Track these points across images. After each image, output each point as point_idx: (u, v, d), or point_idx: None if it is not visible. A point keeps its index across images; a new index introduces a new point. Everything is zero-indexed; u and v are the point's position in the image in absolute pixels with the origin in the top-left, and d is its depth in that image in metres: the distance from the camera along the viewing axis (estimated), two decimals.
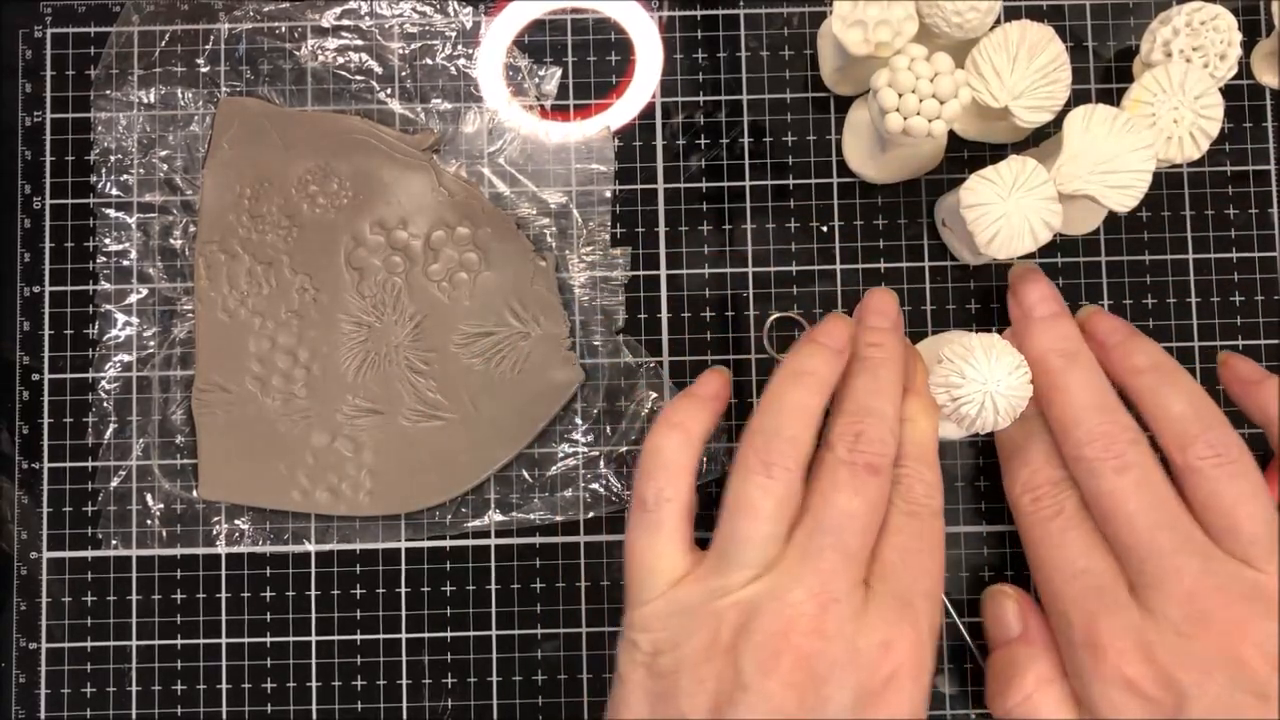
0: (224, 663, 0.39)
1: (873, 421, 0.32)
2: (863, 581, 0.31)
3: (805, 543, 0.31)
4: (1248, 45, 0.39)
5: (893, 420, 0.33)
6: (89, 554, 0.39)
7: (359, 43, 0.40)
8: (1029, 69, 0.34)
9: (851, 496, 0.31)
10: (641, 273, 0.40)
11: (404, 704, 0.39)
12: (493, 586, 0.39)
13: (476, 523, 0.39)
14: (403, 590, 0.39)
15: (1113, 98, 0.40)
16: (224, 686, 0.39)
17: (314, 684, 0.39)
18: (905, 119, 0.33)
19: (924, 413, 0.34)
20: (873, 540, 0.32)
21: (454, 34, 0.40)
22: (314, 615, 0.39)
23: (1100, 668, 0.31)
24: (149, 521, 0.39)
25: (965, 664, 0.38)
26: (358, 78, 0.40)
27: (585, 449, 0.39)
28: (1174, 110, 0.34)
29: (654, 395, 0.39)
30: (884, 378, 0.34)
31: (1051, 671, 0.33)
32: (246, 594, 0.39)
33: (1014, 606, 0.35)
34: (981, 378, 0.32)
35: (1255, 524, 0.31)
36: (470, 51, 0.40)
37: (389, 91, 0.40)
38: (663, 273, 0.40)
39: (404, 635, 0.39)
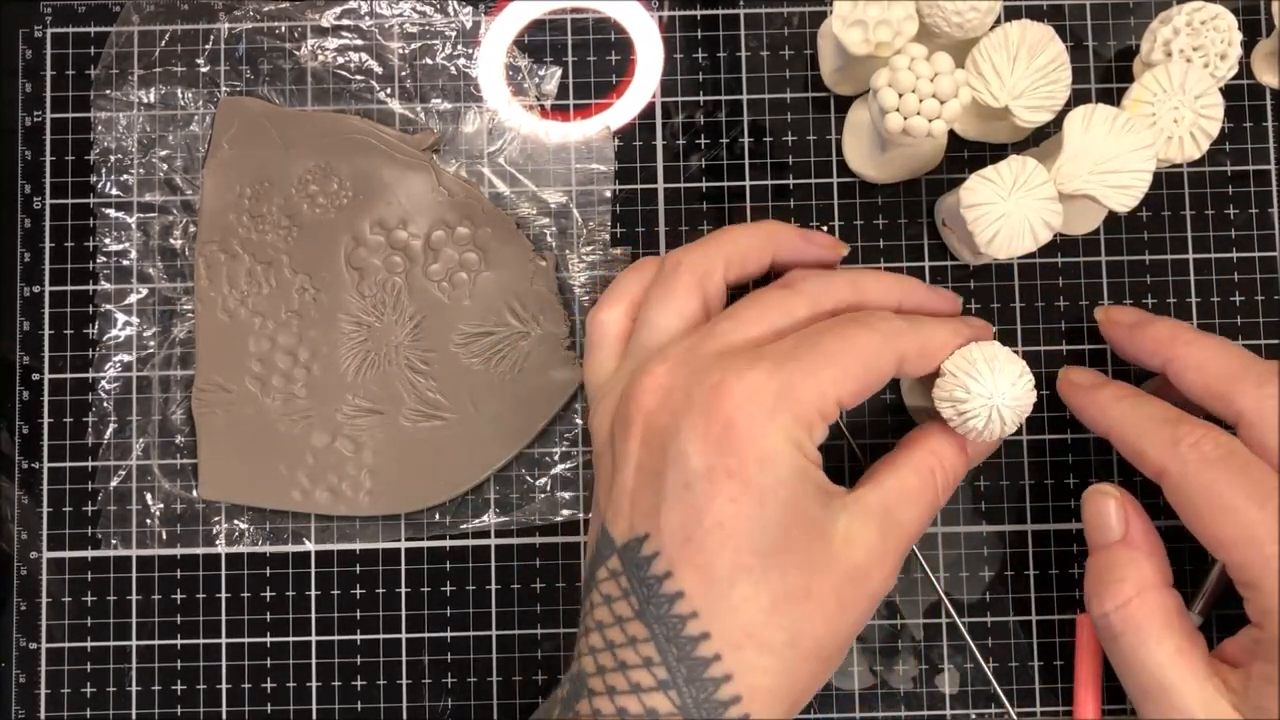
0: (224, 663, 0.39)
1: (822, 274, 0.33)
2: (730, 354, 0.30)
3: (683, 333, 0.32)
4: (1248, 45, 0.39)
5: (839, 284, 0.32)
6: (89, 554, 0.39)
7: (359, 43, 0.40)
8: (1029, 69, 0.34)
9: (745, 300, 0.32)
10: None
11: (404, 704, 0.39)
12: (493, 586, 0.39)
13: (476, 523, 0.39)
14: (403, 590, 0.39)
15: (1113, 98, 0.40)
16: (224, 686, 0.39)
17: (314, 684, 0.39)
18: (905, 119, 0.33)
19: (889, 280, 0.34)
20: (758, 336, 0.31)
21: (454, 34, 0.40)
22: (314, 615, 0.39)
23: None
24: (149, 521, 0.39)
25: (965, 664, 0.38)
26: (358, 78, 0.40)
27: (585, 449, 0.39)
28: (1174, 110, 0.34)
29: None
30: (885, 281, 0.34)
31: (1155, 577, 0.32)
32: (246, 594, 0.39)
33: (1116, 506, 0.33)
34: (986, 390, 0.32)
35: None
36: (470, 51, 0.40)
37: (389, 91, 0.40)
38: None
39: (404, 635, 0.39)
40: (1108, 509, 0.33)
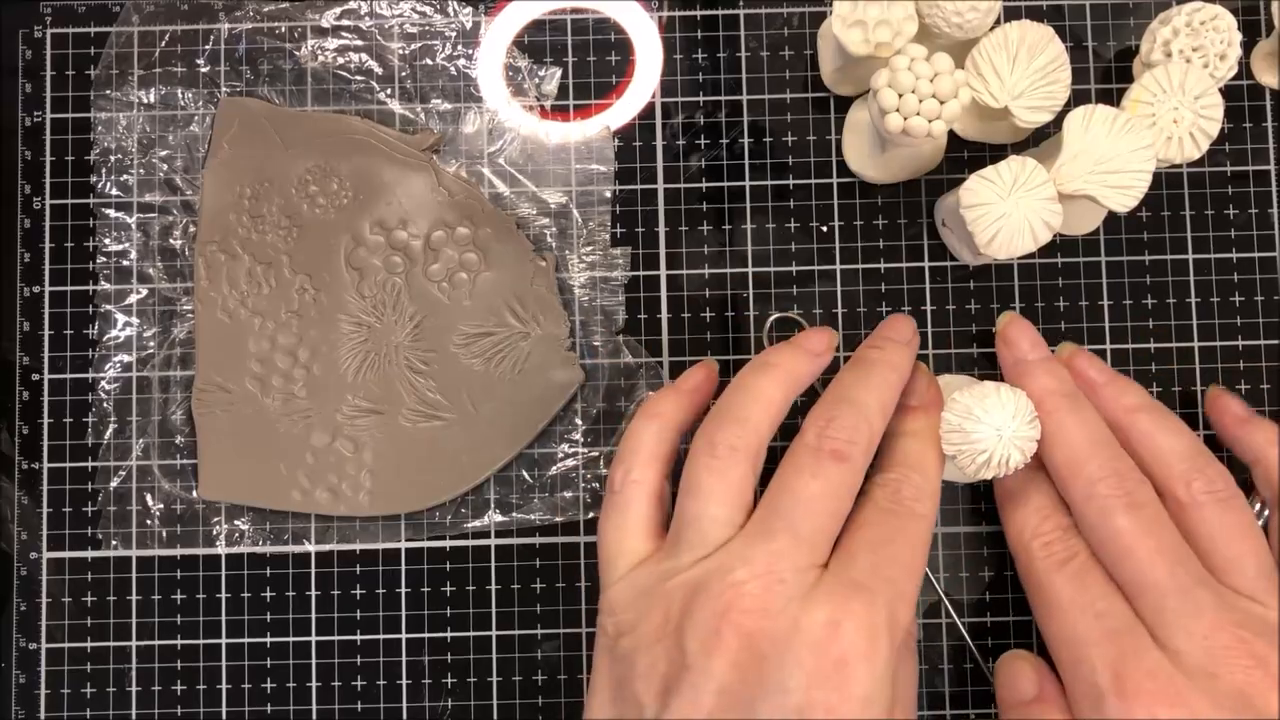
0: (224, 663, 0.39)
1: (845, 409, 0.32)
2: (817, 566, 0.30)
3: (756, 525, 0.30)
4: (1248, 45, 0.39)
5: (872, 413, 0.32)
6: (89, 554, 0.39)
7: (359, 43, 0.40)
8: (1029, 69, 0.34)
9: (809, 480, 0.30)
10: (641, 273, 0.40)
11: (404, 704, 0.39)
12: (493, 586, 0.39)
13: (476, 523, 0.39)
14: (403, 590, 0.39)
15: (1113, 98, 0.40)
16: (224, 686, 0.39)
17: (314, 684, 0.39)
18: (905, 119, 0.33)
19: (931, 430, 0.33)
20: (833, 528, 0.31)
21: (454, 34, 0.40)
22: (314, 615, 0.39)
23: (1132, 710, 0.30)
24: (149, 521, 0.39)
25: (965, 664, 0.38)
26: (358, 78, 0.40)
27: (585, 449, 0.39)
28: (1174, 110, 0.34)
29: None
30: (875, 375, 0.33)
31: None
32: (246, 594, 0.39)
33: (1030, 670, 0.34)
34: (995, 423, 0.32)
35: (1259, 558, 0.31)
36: (470, 51, 0.40)
37: (389, 91, 0.40)
38: (663, 273, 0.40)
39: (404, 635, 0.39)
40: (1022, 671, 0.34)
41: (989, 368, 0.39)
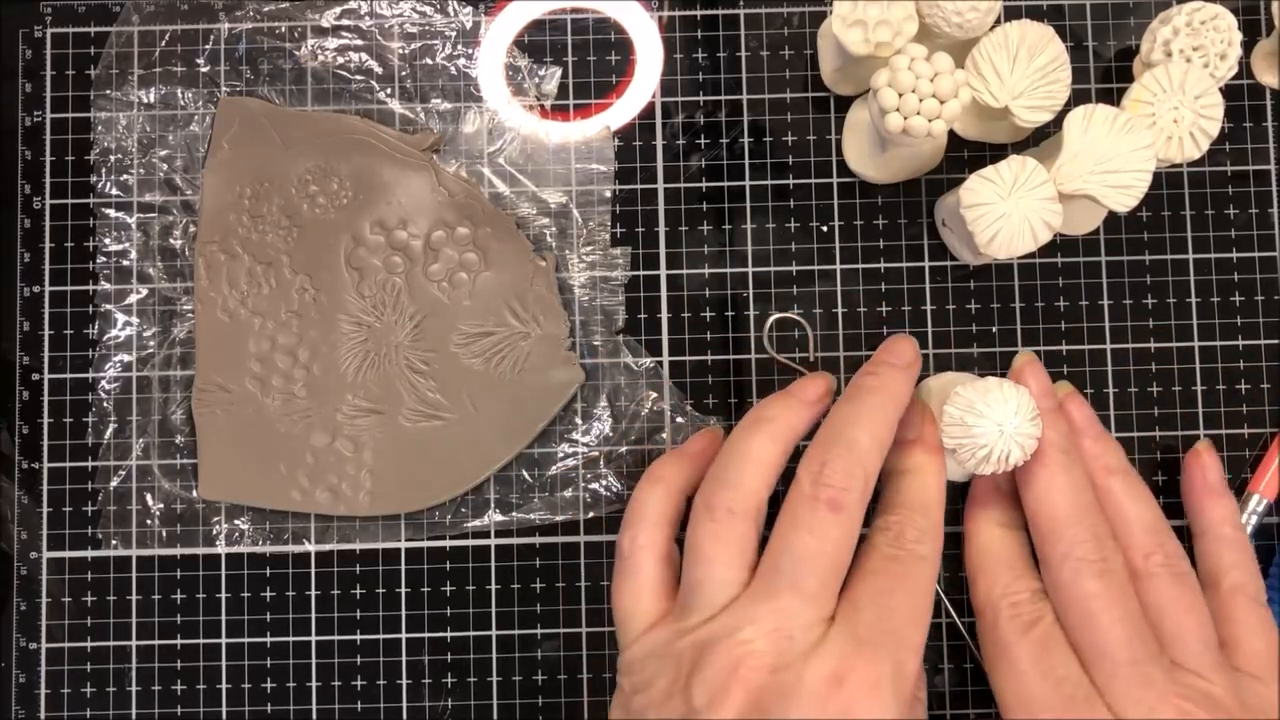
0: (224, 663, 0.39)
1: (839, 451, 0.31)
2: (824, 620, 0.30)
3: (761, 584, 0.31)
4: (1248, 45, 0.39)
5: (866, 451, 0.32)
6: (89, 554, 0.39)
7: (359, 43, 0.40)
8: (1029, 69, 0.34)
9: (808, 536, 0.31)
10: (641, 273, 0.40)
11: (404, 704, 0.39)
12: (493, 586, 0.39)
13: (476, 523, 0.39)
14: (403, 590, 0.39)
15: (1113, 98, 0.40)
16: (224, 686, 0.39)
17: (314, 684, 0.39)
18: (905, 119, 0.33)
19: (930, 465, 0.33)
20: (835, 580, 0.31)
21: (454, 34, 0.40)
22: (314, 615, 0.39)
23: None
24: (149, 521, 0.39)
25: (965, 664, 0.38)
26: (358, 78, 0.40)
27: (585, 449, 0.39)
28: (1174, 110, 0.34)
29: (654, 395, 0.39)
30: (868, 405, 0.33)
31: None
32: (246, 594, 0.39)
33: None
34: (997, 419, 0.32)
35: (1203, 633, 0.33)
36: (470, 51, 0.40)
37: (389, 91, 0.40)
38: (663, 273, 0.40)
39: (404, 635, 0.39)
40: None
41: (989, 368, 0.39)
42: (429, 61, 0.40)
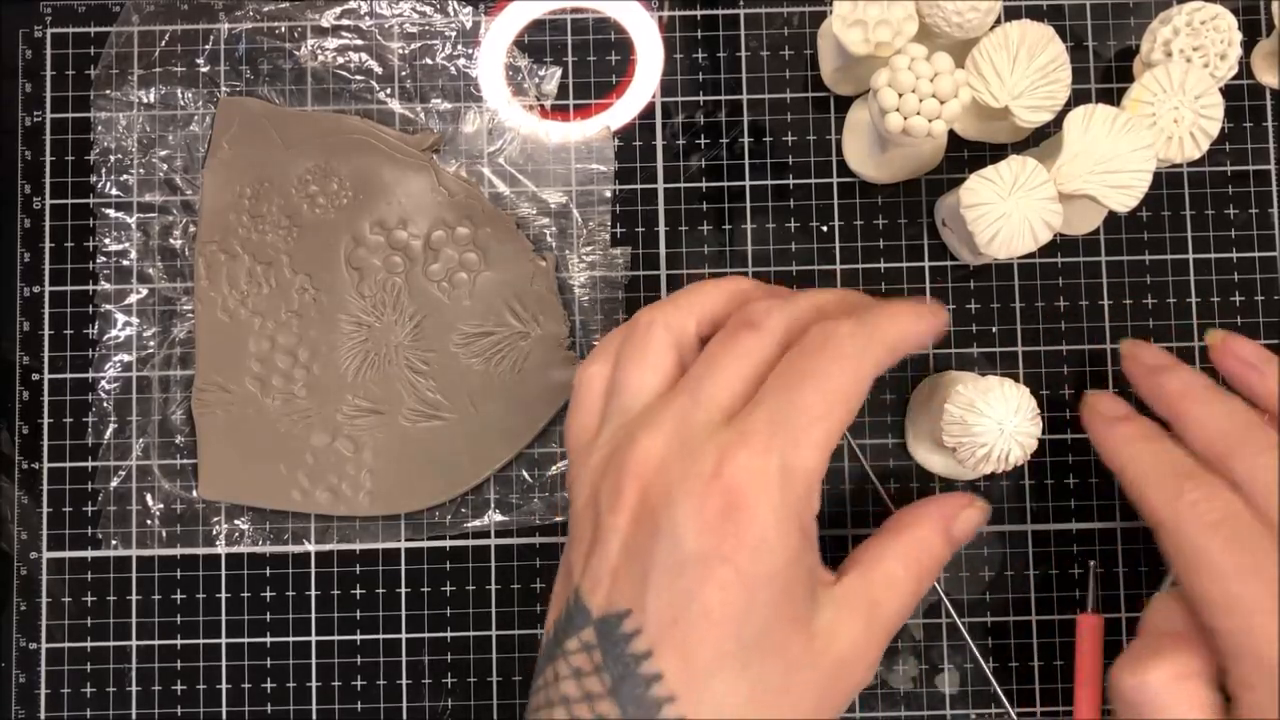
0: (224, 663, 0.39)
1: (767, 302, 0.31)
2: (724, 422, 0.29)
3: (667, 397, 0.30)
4: (1248, 45, 0.39)
5: (802, 307, 0.31)
6: (89, 554, 0.39)
7: (359, 43, 0.40)
8: (1029, 69, 0.34)
9: (716, 347, 0.30)
10: (641, 273, 0.40)
11: (404, 704, 0.39)
12: (493, 586, 0.39)
13: (476, 523, 0.39)
14: (403, 590, 0.39)
15: (1113, 98, 0.40)
16: (224, 686, 0.39)
17: (314, 684, 0.39)
18: (905, 119, 0.33)
19: (872, 308, 0.31)
20: (740, 387, 0.30)
21: (454, 34, 0.40)
22: (314, 615, 0.39)
23: None
24: (149, 521, 0.39)
25: (965, 664, 0.38)
26: (358, 78, 0.40)
27: None
28: (1174, 110, 0.34)
29: None
30: (838, 294, 0.32)
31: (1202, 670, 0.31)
32: (246, 594, 0.39)
33: (1181, 611, 0.32)
34: (997, 417, 0.32)
35: None
36: (470, 51, 0.40)
37: (389, 91, 0.40)
38: (663, 273, 0.40)
39: (404, 635, 0.39)
40: (1174, 610, 0.32)
41: (989, 368, 0.39)
42: (429, 61, 0.40)
